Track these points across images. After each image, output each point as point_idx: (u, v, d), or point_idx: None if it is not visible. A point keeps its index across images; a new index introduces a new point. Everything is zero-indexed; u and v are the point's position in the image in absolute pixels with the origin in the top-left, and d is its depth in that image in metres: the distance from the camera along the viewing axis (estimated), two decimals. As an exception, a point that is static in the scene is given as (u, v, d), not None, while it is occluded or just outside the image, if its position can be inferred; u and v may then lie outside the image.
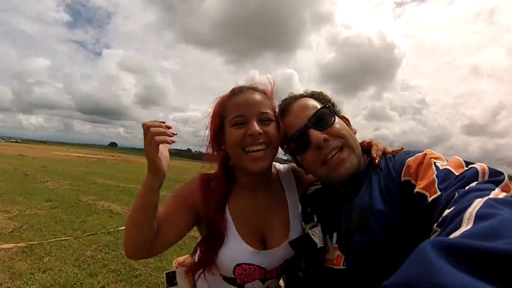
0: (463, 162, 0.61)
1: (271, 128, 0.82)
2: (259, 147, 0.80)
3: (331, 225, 0.82)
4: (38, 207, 6.31)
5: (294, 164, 0.97)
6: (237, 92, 0.86)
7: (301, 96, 0.87)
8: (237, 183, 0.92)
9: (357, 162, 0.78)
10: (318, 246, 0.81)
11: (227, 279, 0.90)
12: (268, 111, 0.83)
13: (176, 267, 1.06)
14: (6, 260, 3.47)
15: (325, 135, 0.76)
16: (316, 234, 0.84)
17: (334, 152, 0.76)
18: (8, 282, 2.94)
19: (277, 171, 1.00)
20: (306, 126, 0.77)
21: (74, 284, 3.05)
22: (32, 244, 4.04)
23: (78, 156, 37.56)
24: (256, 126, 0.79)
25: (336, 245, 0.79)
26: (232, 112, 0.82)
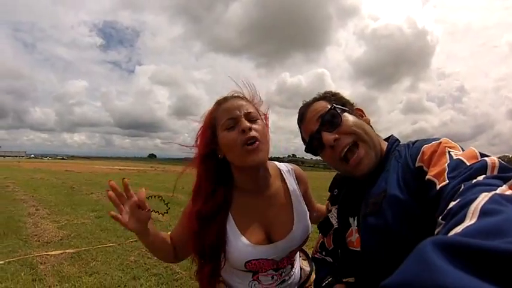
0: (478, 153, 0.65)
1: (258, 125, 0.95)
2: (253, 141, 0.92)
3: (354, 209, 0.91)
4: (85, 217, 7.10)
5: (295, 165, 1.19)
6: (222, 102, 1.00)
7: (314, 100, 0.98)
8: (235, 189, 1.04)
9: (375, 155, 0.87)
10: (334, 227, 0.98)
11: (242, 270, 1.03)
12: (252, 111, 0.97)
13: None
14: (56, 264, 3.98)
15: (335, 136, 0.86)
16: (334, 216, 0.99)
17: (346, 148, 0.86)
18: (57, 285, 3.39)
19: (280, 170, 1.13)
20: (318, 131, 0.90)
21: (118, 286, 3.40)
22: (79, 250, 4.57)
23: (120, 169, 41.11)
24: (246, 123, 0.92)
25: (356, 228, 0.89)
26: (222, 118, 0.96)
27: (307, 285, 1.14)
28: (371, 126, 0.96)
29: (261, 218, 1.02)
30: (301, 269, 1.18)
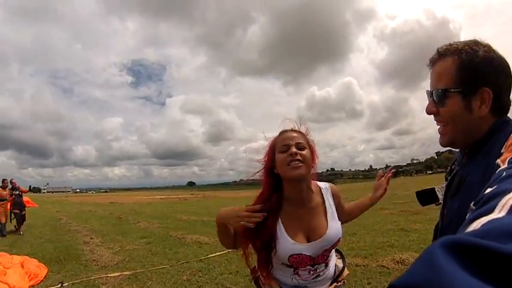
0: None
1: (305, 152, 1.32)
2: (297, 164, 1.28)
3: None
4: (135, 243, 7.64)
5: (332, 184, 1.54)
6: (282, 133, 1.39)
7: (445, 53, 0.94)
8: (286, 202, 1.37)
9: (463, 139, 0.92)
10: (440, 202, 1.06)
11: (285, 265, 1.35)
12: (302, 141, 1.34)
13: None
14: (116, 285, 4.41)
15: (434, 110, 0.95)
16: (440, 192, 1.09)
17: (439, 124, 0.96)
18: (121, 302, 3.75)
19: (320, 188, 1.48)
20: (429, 93, 0.98)
21: (175, 302, 3.67)
22: (135, 272, 4.99)
23: (161, 198, 42.97)
24: (294, 149, 1.30)
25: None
26: (280, 144, 1.35)
27: (340, 278, 1.46)
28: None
29: (303, 224, 1.36)
30: (335, 265, 1.48)
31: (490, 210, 0.38)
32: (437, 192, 1.09)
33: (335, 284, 1.44)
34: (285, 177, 1.34)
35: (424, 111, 0.98)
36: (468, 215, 0.44)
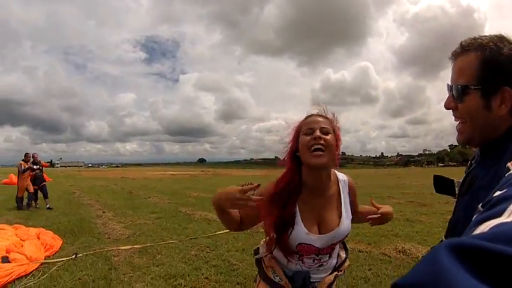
0: None
1: (329, 137, 1.29)
2: (319, 147, 1.25)
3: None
4: (146, 218, 7.93)
5: (349, 177, 1.50)
6: (308, 116, 1.38)
7: (468, 47, 0.92)
8: (304, 187, 1.36)
9: (471, 138, 0.91)
10: (456, 196, 1.07)
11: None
12: (327, 126, 1.32)
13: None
14: (127, 257, 4.64)
15: (452, 105, 0.94)
16: (458, 186, 1.09)
17: (457, 120, 0.94)
18: (130, 272, 4.02)
19: (337, 178, 1.46)
20: (449, 88, 0.97)
21: (182, 275, 3.91)
22: (145, 246, 5.22)
23: (171, 174, 43.80)
24: (318, 132, 1.28)
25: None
26: (304, 127, 1.33)
27: (341, 268, 1.50)
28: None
29: (317, 213, 1.37)
30: (338, 255, 1.51)
31: (499, 214, 0.37)
32: (456, 185, 1.08)
33: (335, 273, 1.47)
34: (305, 163, 1.32)
35: (441, 103, 0.96)
36: (475, 216, 0.44)
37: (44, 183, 10.21)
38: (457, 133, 0.95)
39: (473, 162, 1.03)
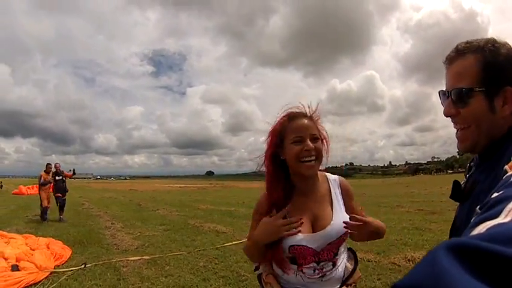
0: None
1: (319, 144, 1.27)
2: (311, 158, 1.23)
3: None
4: (154, 230, 7.99)
5: (342, 177, 1.46)
6: (292, 118, 1.30)
7: (465, 50, 0.91)
8: (293, 189, 1.33)
9: (475, 144, 0.89)
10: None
11: (289, 260, 1.29)
12: (316, 132, 1.28)
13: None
14: (136, 268, 4.67)
15: (453, 111, 0.90)
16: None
17: (458, 127, 0.91)
18: (139, 283, 4.05)
19: (328, 179, 1.41)
20: (447, 93, 0.93)
21: (191, 286, 3.94)
22: (154, 257, 5.25)
23: (180, 186, 43.99)
24: (311, 144, 1.24)
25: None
26: (291, 133, 1.26)
27: (349, 282, 1.34)
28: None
29: (308, 213, 1.31)
30: (345, 267, 1.38)
31: (496, 215, 0.38)
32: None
33: (344, 287, 1.34)
34: (296, 172, 1.30)
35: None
36: (473, 218, 0.45)
37: (64, 197, 10.01)
38: (457, 141, 0.93)
39: (472, 164, 1.03)
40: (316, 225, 1.30)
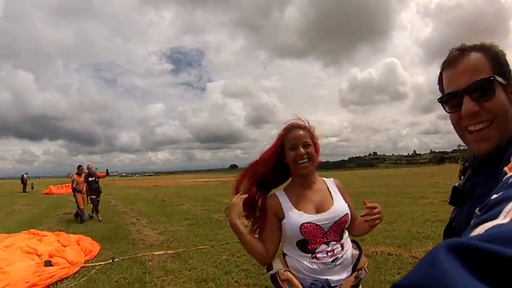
0: None
1: (310, 149, 1.57)
2: (304, 161, 1.54)
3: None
4: (178, 225, 8.37)
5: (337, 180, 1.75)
6: (289, 130, 1.62)
7: (472, 48, 0.90)
8: (294, 185, 1.66)
9: (499, 142, 0.84)
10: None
11: (301, 246, 1.52)
12: (308, 140, 1.58)
13: None
14: (160, 262, 4.99)
15: (477, 109, 0.84)
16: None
17: (479, 127, 0.85)
18: (163, 276, 4.36)
19: (324, 181, 1.72)
20: (464, 91, 0.86)
21: (213, 279, 4.18)
22: (178, 251, 5.56)
23: (203, 181, 44.90)
24: (302, 150, 1.55)
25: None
26: (289, 143, 1.59)
27: (359, 267, 1.55)
28: None
29: (310, 201, 1.58)
30: (352, 254, 1.59)
31: (495, 216, 0.39)
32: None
33: (356, 272, 1.53)
34: (294, 172, 1.63)
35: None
36: (473, 220, 0.45)
37: (98, 198, 10.20)
38: (474, 145, 0.88)
39: (466, 165, 1.02)
40: (320, 209, 1.56)
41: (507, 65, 0.87)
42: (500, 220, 0.38)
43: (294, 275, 1.52)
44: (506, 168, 0.64)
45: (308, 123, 1.68)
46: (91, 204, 10.02)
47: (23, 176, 28.76)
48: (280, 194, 1.63)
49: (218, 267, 4.60)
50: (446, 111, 0.95)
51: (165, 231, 7.55)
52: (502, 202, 0.43)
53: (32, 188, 28.56)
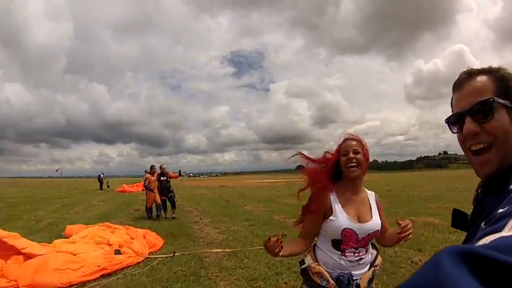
0: None
1: (359, 156, 1.80)
2: (353, 165, 1.78)
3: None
4: (239, 225, 8.76)
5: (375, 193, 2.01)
6: (345, 140, 1.87)
7: (478, 72, 0.93)
8: (344, 188, 1.88)
9: (500, 165, 0.86)
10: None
11: (334, 244, 1.78)
12: (358, 148, 1.82)
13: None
14: (217, 259, 5.34)
15: (477, 129, 0.87)
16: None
17: (479, 146, 0.88)
18: (218, 272, 4.69)
19: (366, 191, 1.96)
20: (467, 112, 0.90)
21: (264, 278, 4.39)
22: (235, 250, 5.88)
23: (269, 182, 45.60)
24: (352, 155, 1.79)
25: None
26: (342, 150, 1.84)
27: (376, 263, 1.89)
28: None
29: (355, 207, 1.84)
30: (371, 254, 1.90)
31: (500, 229, 0.42)
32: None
33: (373, 268, 1.86)
34: (345, 176, 1.86)
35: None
36: (479, 233, 0.48)
37: (172, 194, 10.76)
38: (476, 168, 0.91)
39: (479, 191, 1.03)
40: (361, 218, 1.82)
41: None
42: (505, 233, 0.41)
43: (323, 269, 1.76)
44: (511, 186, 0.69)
45: (359, 137, 1.93)
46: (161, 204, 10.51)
47: (99, 175, 32.74)
48: (332, 195, 1.85)
49: (270, 268, 4.79)
50: (452, 132, 0.98)
51: (225, 231, 7.98)
52: (506, 216, 0.46)
53: (108, 186, 31.93)
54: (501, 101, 0.85)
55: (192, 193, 23.56)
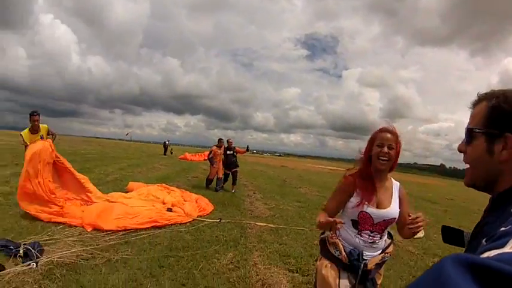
0: None
1: (393, 152, 1.95)
2: (385, 158, 1.94)
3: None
4: (289, 205, 9.19)
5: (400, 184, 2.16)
6: (381, 131, 2.01)
7: (484, 97, 1.01)
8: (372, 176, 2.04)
9: (474, 183, 1.02)
10: (465, 247, 1.14)
11: (353, 223, 2.00)
12: (392, 143, 1.96)
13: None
14: (259, 232, 5.79)
15: (464, 149, 1.03)
16: (467, 237, 1.19)
17: (465, 163, 1.03)
18: (255, 243, 5.15)
19: (392, 181, 2.13)
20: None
21: (296, 256, 4.73)
22: (278, 227, 6.28)
23: (330, 169, 45.14)
24: (386, 149, 1.94)
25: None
26: (378, 140, 1.99)
27: (387, 250, 2.06)
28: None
29: (376, 194, 2.01)
30: (385, 241, 2.09)
31: (502, 245, 0.44)
32: (465, 237, 1.20)
33: (383, 254, 2.05)
34: (373, 165, 2.01)
35: None
36: (479, 248, 0.51)
37: (237, 169, 11.09)
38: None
39: (484, 210, 1.10)
40: (379, 205, 2.03)
41: (508, 115, 0.92)
42: (507, 249, 0.44)
43: (340, 241, 2.01)
44: None
45: (397, 131, 2.06)
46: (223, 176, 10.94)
47: (165, 142, 35.63)
48: (358, 178, 2.04)
49: (306, 249, 5.11)
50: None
51: (274, 208, 8.45)
52: (508, 235, 0.49)
53: (171, 153, 34.68)
54: (478, 130, 0.97)
55: (252, 169, 24.54)
